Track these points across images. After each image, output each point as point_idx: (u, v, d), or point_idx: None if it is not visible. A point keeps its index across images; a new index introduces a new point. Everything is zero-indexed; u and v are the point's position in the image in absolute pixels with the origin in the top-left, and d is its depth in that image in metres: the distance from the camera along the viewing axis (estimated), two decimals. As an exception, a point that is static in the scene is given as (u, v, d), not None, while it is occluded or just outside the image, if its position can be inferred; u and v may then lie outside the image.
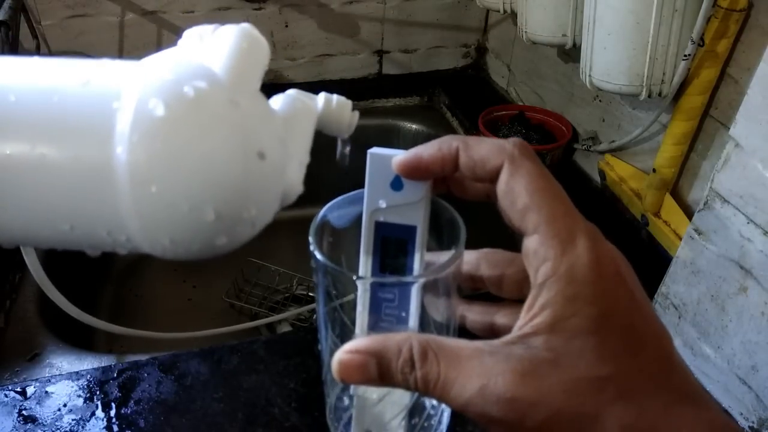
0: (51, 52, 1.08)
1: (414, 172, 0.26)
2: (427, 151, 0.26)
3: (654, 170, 0.79)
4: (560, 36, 0.87)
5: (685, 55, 0.68)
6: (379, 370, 0.24)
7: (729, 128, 0.55)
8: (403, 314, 0.27)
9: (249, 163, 0.23)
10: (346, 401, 0.32)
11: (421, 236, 0.27)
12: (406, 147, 0.26)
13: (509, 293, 0.29)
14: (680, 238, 0.68)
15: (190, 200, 0.22)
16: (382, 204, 0.27)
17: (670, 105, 0.74)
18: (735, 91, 0.70)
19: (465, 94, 1.25)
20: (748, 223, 0.54)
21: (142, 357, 0.63)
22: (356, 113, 0.30)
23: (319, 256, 0.27)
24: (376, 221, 0.28)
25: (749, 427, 0.57)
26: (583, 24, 0.76)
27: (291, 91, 0.28)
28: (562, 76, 1.05)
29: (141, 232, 0.22)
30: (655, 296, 0.67)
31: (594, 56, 0.74)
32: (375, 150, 0.27)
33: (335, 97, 0.30)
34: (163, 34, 1.12)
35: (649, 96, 0.73)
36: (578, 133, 1.01)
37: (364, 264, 0.28)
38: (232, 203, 0.23)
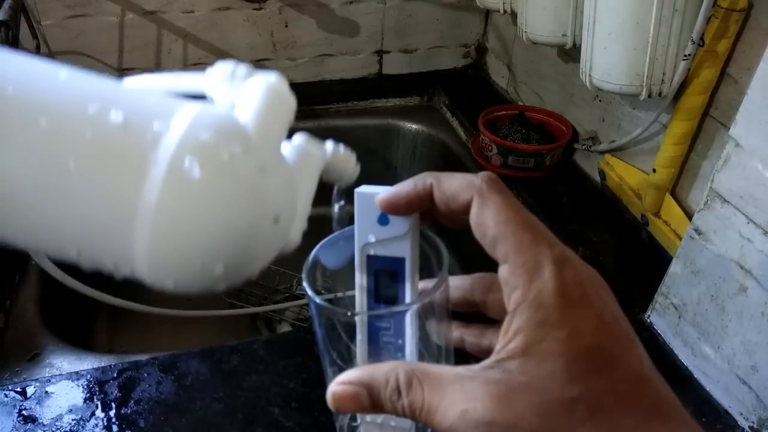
0: (51, 52, 1.08)
1: (394, 208, 0.28)
2: (404, 188, 0.27)
3: (654, 170, 0.79)
4: (560, 36, 0.87)
5: (685, 55, 0.68)
6: (371, 399, 0.25)
7: (729, 128, 0.55)
8: (400, 341, 0.29)
9: (265, 227, 0.24)
10: (355, 422, 0.33)
11: (410, 266, 0.29)
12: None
13: (498, 315, 0.30)
14: (680, 238, 0.68)
15: (205, 257, 0.23)
16: (372, 238, 0.29)
17: (670, 105, 0.74)
18: (735, 91, 0.70)
19: (465, 94, 1.25)
20: (748, 223, 0.54)
21: (142, 357, 0.63)
22: (358, 166, 0.32)
23: (311, 294, 0.28)
24: (367, 255, 0.29)
25: (749, 427, 0.57)
26: (583, 24, 0.76)
27: (300, 140, 0.29)
28: (562, 76, 1.05)
29: (148, 272, 0.23)
30: (655, 296, 0.67)
31: (594, 56, 0.74)
32: (361, 189, 0.29)
33: (342, 148, 0.31)
34: (163, 34, 1.12)
35: (649, 96, 0.73)
36: (578, 133, 1.01)
37: (360, 296, 0.30)
38: (240, 260, 0.24)
